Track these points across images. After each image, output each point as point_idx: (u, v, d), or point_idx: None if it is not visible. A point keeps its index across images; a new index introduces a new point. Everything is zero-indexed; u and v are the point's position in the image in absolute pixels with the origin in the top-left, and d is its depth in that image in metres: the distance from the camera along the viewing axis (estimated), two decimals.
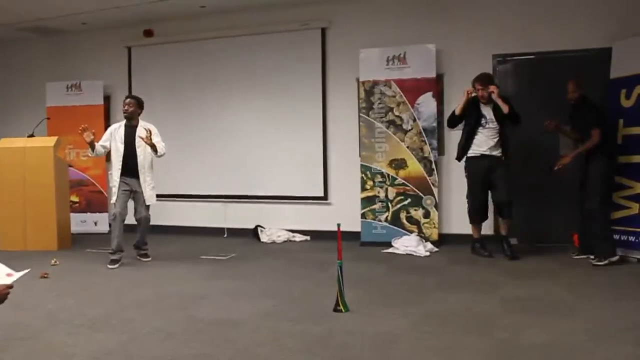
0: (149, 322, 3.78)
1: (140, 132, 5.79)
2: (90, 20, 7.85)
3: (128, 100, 5.93)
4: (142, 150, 5.83)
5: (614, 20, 6.06)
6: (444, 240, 6.56)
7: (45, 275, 5.19)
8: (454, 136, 6.43)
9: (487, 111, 5.75)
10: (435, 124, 6.55)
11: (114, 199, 5.83)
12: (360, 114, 6.83)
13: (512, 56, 6.56)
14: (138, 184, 5.85)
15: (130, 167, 5.82)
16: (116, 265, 5.67)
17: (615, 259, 5.24)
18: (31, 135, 7.01)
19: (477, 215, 5.91)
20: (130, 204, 5.94)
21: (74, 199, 7.97)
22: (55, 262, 5.79)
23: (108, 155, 6.00)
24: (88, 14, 7.47)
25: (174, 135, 7.88)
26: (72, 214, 7.33)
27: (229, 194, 7.69)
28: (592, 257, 5.35)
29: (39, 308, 4.16)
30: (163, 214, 7.71)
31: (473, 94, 5.75)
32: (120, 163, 5.82)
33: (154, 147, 5.71)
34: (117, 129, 5.92)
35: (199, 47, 7.82)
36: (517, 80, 6.61)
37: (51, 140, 6.86)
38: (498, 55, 6.57)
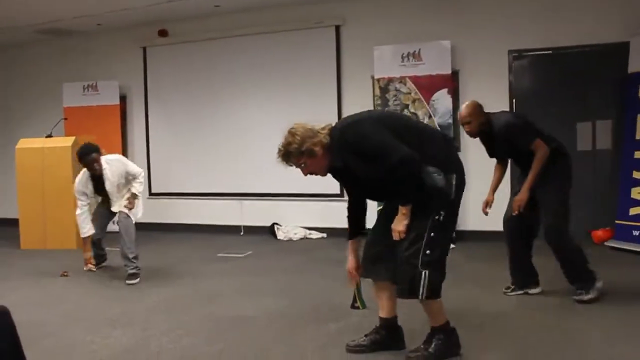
0: (168, 319, 3.81)
1: (108, 174, 5.22)
2: (106, 21, 7.91)
3: (88, 159, 5.13)
4: (118, 191, 5.33)
5: (632, 15, 5.98)
6: (460, 237, 6.52)
7: (66, 274, 5.26)
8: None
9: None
10: (450, 121, 6.50)
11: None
12: None
13: (528, 51, 6.51)
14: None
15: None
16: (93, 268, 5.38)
17: (600, 284, 3.95)
18: (49, 136, 7.08)
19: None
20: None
21: None
22: (66, 273, 5.35)
23: None
24: (103, 15, 7.53)
25: (189, 134, 7.94)
26: None
27: (246, 191, 7.71)
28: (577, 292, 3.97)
29: (59, 306, 4.23)
30: (179, 213, 7.80)
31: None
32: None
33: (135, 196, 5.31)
34: (85, 183, 5.28)
35: (213, 46, 7.84)
36: (533, 76, 6.56)
37: (69, 140, 6.93)
38: (514, 51, 6.52)
